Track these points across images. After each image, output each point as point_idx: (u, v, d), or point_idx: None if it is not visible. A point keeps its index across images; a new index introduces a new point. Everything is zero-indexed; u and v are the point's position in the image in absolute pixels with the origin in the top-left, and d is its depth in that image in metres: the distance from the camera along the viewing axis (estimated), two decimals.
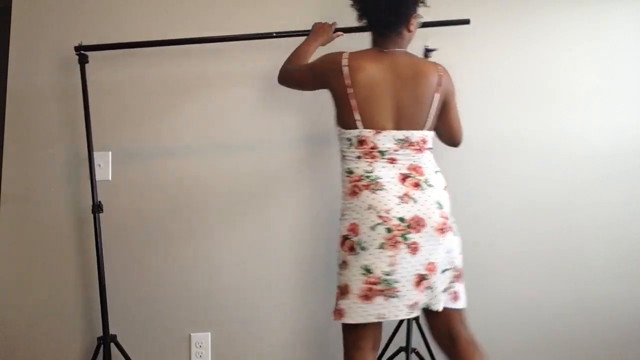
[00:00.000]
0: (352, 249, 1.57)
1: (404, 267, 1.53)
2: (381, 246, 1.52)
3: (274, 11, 2.26)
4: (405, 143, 1.62)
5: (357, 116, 1.61)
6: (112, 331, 2.06)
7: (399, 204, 1.54)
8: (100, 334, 2.05)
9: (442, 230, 1.57)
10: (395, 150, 1.60)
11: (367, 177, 1.58)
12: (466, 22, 2.02)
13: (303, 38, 1.99)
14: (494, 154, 2.29)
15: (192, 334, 2.22)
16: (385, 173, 1.58)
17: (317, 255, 2.25)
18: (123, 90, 2.22)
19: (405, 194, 1.56)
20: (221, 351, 2.22)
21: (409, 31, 1.70)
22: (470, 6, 2.24)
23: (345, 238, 1.59)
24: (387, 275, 1.53)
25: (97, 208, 2.07)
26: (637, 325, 2.33)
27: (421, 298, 1.57)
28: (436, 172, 1.65)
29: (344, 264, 1.59)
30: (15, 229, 2.20)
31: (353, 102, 1.61)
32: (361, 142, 1.61)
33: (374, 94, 1.61)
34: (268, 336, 2.24)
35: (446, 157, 2.25)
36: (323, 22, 1.98)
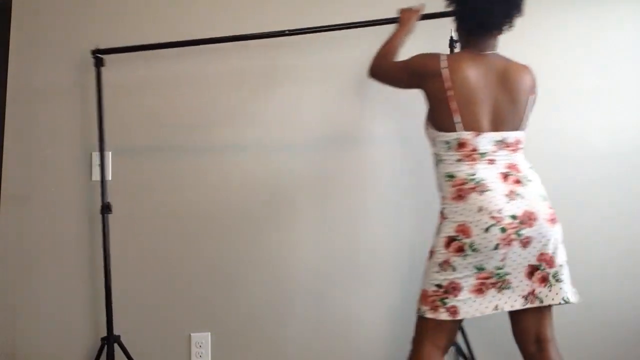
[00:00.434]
0: (460, 250, 1.55)
1: (514, 259, 1.55)
2: (496, 247, 1.52)
3: (283, 10, 2.28)
4: (503, 144, 1.62)
5: (456, 119, 1.59)
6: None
7: (508, 202, 1.53)
8: (103, 334, 2.06)
9: (552, 220, 1.58)
10: (494, 152, 1.60)
11: (472, 179, 1.57)
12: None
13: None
14: None
15: (192, 334, 2.22)
16: (487, 174, 1.58)
17: (317, 255, 2.26)
18: (123, 92, 2.23)
19: (511, 192, 1.55)
20: (221, 351, 2.22)
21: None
22: None
23: (452, 239, 1.56)
24: (499, 269, 1.55)
25: (105, 209, 2.07)
26: (637, 325, 2.33)
27: (537, 288, 1.57)
28: (530, 167, 1.65)
29: (446, 264, 1.57)
30: (15, 229, 2.20)
31: (453, 105, 1.59)
32: (461, 144, 1.60)
33: (474, 97, 1.60)
34: (268, 336, 2.24)
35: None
36: (409, 7, 1.93)
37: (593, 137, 2.35)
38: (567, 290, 1.59)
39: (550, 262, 1.57)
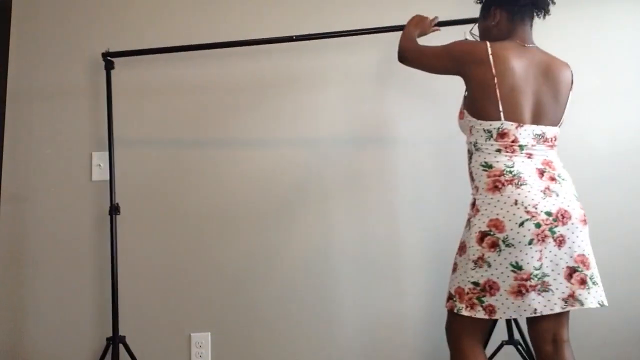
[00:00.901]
0: (494, 246, 1.52)
1: (552, 260, 1.52)
2: (530, 242, 1.50)
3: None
4: (541, 139, 1.61)
5: (500, 107, 1.58)
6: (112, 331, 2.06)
7: (544, 198, 1.52)
8: (104, 334, 2.06)
9: (584, 221, 1.58)
10: (533, 146, 1.59)
11: (510, 172, 1.55)
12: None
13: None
14: None
15: (192, 334, 2.22)
16: (525, 168, 1.56)
17: (318, 255, 2.26)
18: (123, 93, 2.23)
19: (547, 188, 1.54)
20: (221, 351, 2.22)
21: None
22: (470, 7, 2.24)
23: (485, 234, 1.53)
24: (537, 270, 1.51)
25: (114, 209, 2.07)
26: (637, 325, 2.33)
27: (577, 290, 1.53)
28: (563, 166, 1.65)
29: (480, 261, 1.54)
30: (16, 229, 2.20)
31: (498, 93, 1.57)
32: (502, 134, 1.58)
33: (518, 87, 1.58)
34: (268, 336, 2.24)
35: (448, 157, 2.28)
36: (422, 15, 1.94)
37: (593, 137, 2.35)
38: (602, 293, 1.57)
39: (586, 264, 1.55)
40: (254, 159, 2.28)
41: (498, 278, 1.53)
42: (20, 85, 2.26)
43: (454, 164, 2.16)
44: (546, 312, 1.52)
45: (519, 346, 2.08)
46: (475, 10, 1.84)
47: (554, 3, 1.72)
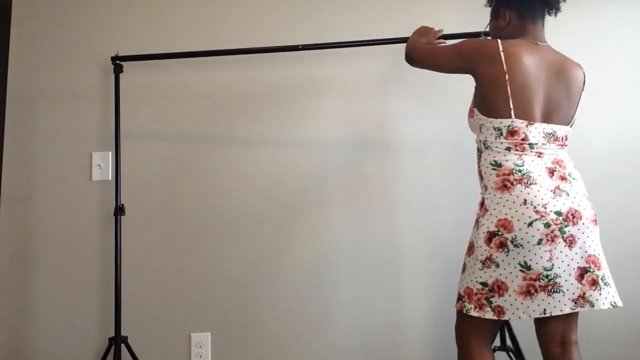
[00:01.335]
0: (502, 246, 1.50)
1: (563, 260, 1.50)
2: (539, 242, 1.48)
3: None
4: (552, 137, 1.59)
5: (511, 104, 1.56)
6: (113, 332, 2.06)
7: (553, 198, 1.50)
8: (104, 334, 2.07)
9: (595, 221, 1.56)
10: (543, 144, 1.58)
11: (519, 171, 1.53)
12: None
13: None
14: None
15: (192, 334, 2.22)
16: (534, 167, 1.54)
17: (318, 257, 2.26)
18: (123, 93, 2.23)
19: (557, 187, 1.53)
20: (221, 351, 2.22)
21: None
22: (470, 7, 2.24)
23: (493, 234, 1.52)
24: (548, 270, 1.49)
25: (119, 210, 2.07)
26: (637, 325, 2.33)
27: (587, 291, 1.51)
28: (573, 166, 1.64)
29: (489, 261, 1.53)
30: (16, 229, 2.20)
31: (509, 90, 1.56)
32: (512, 132, 1.56)
33: (529, 85, 1.57)
34: (268, 336, 2.24)
35: (452, 161, 2.27)
36: (427, 26, 1.94)
37: (593, 137, 2.35)
38: (615, 293, 1.56)
39: (598, 264, 1.53)
40: (257, 162, 2.28)
41: (507, 278, 1.51)
42: (21, 86, 2.26)
43: (458, 168, 2.17)
44: (556, 312, 1.50)
45: (510, 353, 2.07)
46: (478, 24, 1.85)
47: (564, 0, 1.70)
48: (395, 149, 2.32)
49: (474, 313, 1.54)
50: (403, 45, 1.86)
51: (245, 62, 2.31)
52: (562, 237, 1.49)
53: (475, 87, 1.68)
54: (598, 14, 2.40)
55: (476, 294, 1.55)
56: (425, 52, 1.78)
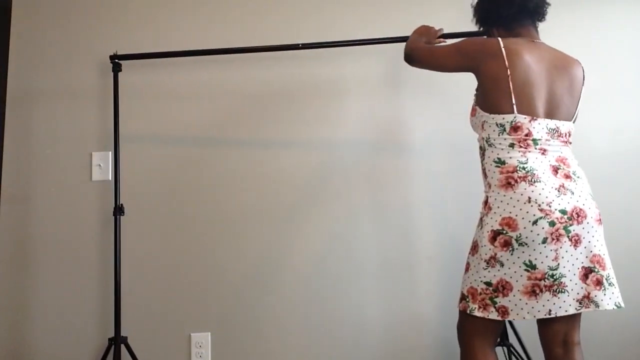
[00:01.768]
0: (506, 245, 1.49)
1: (568, 260, 1.48)
2: (544, 241, 1.46)
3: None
4: (556, 133, 1.59)
5: (513, 100, 1.55)
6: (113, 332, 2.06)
7: (558, 196, 1.49)
8: (104, 334, 2.07)
9: (600, 221, 1.55)
10: (547, 140, 1.57)
11: (523, 168, 1.52)
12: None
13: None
14: None
15: (192, 334, 2.22)
16: (539, 164, 1.53)
17: (318, 256, 2.26)
18: (123, 93, 2.23)
19: (561, 186, 1.51)
20: (221, 351, 2.22)
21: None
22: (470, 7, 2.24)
23: (497, 233, 1.50)
24: (553, 270, 1.47)
25: (118, 210, 2.07)
26: (638, 325, 2.32)
27: (592, 292, 1.50)
28: (578, 164, 1.63)
29: (493, 260, 1.51)
30: (16, 229, 2.20)
31: (511, 86, 1.55)
32: (515, 128, 1.55)
33: (531, 80, 1.57)
34: (268, 336, 2.24)
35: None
36: (427, 25, 1.94)
37: (593, 137, 2.35)
38: (618, 294, 1.55)
39: (602, 264, 1.53)
40: (257, 162, 2.28)
41: (511, 278, 1.50)
42: (21, 86, 2.26)
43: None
44: (561, 313, 1.48)
45: (511, 348, 2.06)
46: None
47: (547, 4, 1.70)
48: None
49: (478, 313, 1.53)
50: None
51: (245, 62, 2.31)
52: (568, 236, 1.48)
53: (477, 85, 1.68)
54: (598, 14, 2.40)
55: (480, 293, 1.53)
56: (426, 51, 1.78)
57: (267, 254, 2.25)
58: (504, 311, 1.51)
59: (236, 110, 2.30)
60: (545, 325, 1.60)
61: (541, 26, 1.75)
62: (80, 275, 2.20)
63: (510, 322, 2.10)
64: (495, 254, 1.51)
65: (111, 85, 2.16)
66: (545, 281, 1.48)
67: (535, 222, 1.47)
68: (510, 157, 1.55)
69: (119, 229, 2.08)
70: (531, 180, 1.50)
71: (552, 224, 1.47)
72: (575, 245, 1.49)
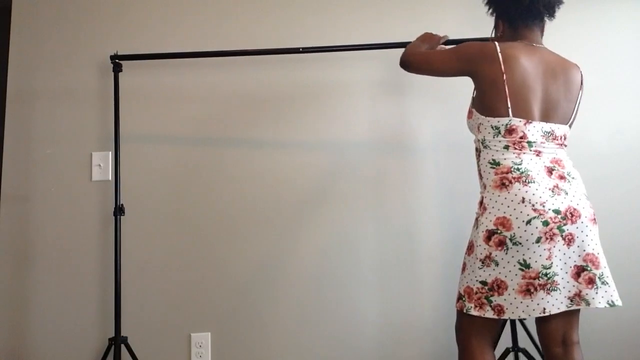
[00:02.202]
0: (501, 244, 1.51)
1: (560, 258, 1.51)
2: (538, 240, 1.49)
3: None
4: (551, 136, 1.61)
5: (509, 103, 1.58)
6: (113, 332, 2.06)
7: (552, 196, 1.51)
8: (104, 335, 2.07)
9: (594, 220, 1.56)
10: (542, 143, 1.59)
11: (517, 169, 1.54)
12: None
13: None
14: None
15: (192, 334, 2.22)
16: (533, 166, 1.55)
17: (319, 256, 2.26)
18: (123, 93, 2.23)
19: (556, 186, 1.53)
20: (221, 351, 2.22)
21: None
22: (470, 7, 2.24)
23: (492, 233, 1.53)
24: (547, 269, 1.50)
25: (118, 210, 2.08)
26: (638, 325, 2.32)
27: (583, 290, 1.52)
28: (572, 165, 1.64)
29: (488, 260, 1.53)
30: (16, 229, 2.20)
31: (507, 89, 1.58)
32: (510, 130, 1.58)
33: (526, 84, 1.59)
34: (268, 337, 2.24)
35: (448, 156, 2.27)
36: (432, 33, 1.96)
37: (593, 137, 2.35)
38: (613, 293, 1.56)
39: (596, 263, 1.54)
40: (257, 162, 2.28)
41: (506, 277, 1.52)
42: (20, 86, 2.26)
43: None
44: (554, 311, 1.51)
45: (520, 353, 2.06)
46: (482, 31, 1.89)
47: (560, 3, 1.72)
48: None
49: (474, 312, 1.55)
50: None
51: (245, 63, 2.31)
52: (561, 236, 1.50)
53: (474, 89, 1.70)
54: (598, 14, 2.40)
55: (476, 293, 1.55)
56: (420, 57, 1.79)
57: (268, 254, 2.26)
58: (499, 310, 1.52)
59: (237, 111, 2.30)
60: (544, 325, 1.61)
61: None
62: (80, 275, 2.20)
63: (524, 326, 2.10)
64: (490, 254, 1.53)
65: (111, 86, 2.16)
66: (539, 280, 1.50)
67: (529, 222, 1.49)
68: (505, 159, 1.57)
69: (119, 229, 2.08)
70: (525, 181, 1.53)
71: (545, 223, 1.49)
72: (568, 245, 1.51)
